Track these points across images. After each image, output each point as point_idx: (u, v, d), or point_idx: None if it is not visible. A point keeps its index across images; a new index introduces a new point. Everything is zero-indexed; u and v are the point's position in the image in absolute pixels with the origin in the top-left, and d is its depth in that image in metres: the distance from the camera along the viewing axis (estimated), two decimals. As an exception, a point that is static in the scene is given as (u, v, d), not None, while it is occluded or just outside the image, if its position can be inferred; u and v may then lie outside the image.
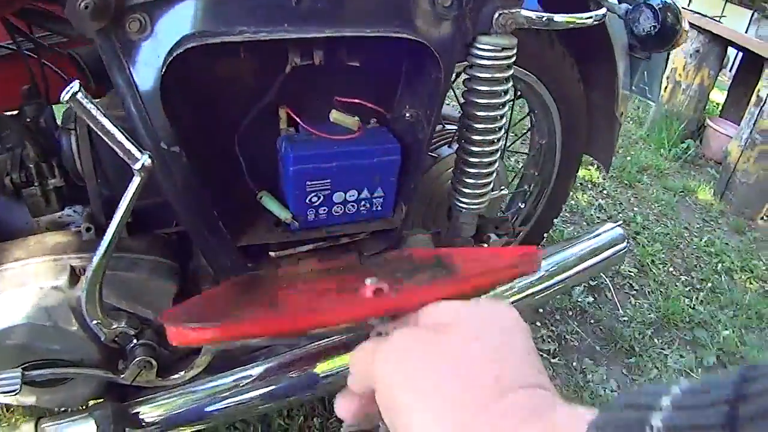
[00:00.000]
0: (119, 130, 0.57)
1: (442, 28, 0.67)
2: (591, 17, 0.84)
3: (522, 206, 1.35)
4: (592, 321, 1.58)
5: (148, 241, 0.79)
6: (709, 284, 1.84)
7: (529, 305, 1.16)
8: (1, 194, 0.79)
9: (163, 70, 0.58)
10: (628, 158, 2.65)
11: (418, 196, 1.01)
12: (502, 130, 0.82)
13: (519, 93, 1.18)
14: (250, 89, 0.69)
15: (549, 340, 1.48)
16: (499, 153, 0.85)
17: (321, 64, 0.66)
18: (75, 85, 0.55)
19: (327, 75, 0.69)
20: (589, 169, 2.41)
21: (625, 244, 1.23)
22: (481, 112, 0.78)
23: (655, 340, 1.56)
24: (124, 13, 0.58)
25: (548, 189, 1.31)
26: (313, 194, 0.71)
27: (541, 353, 1.42)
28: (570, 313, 1.59)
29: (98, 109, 0.57)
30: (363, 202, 0.75)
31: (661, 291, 1.76)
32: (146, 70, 0.60)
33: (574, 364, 1.42)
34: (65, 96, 0.55)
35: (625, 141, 2.94)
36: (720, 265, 1.98)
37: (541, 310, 1.58)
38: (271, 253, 0.77)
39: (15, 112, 0.83)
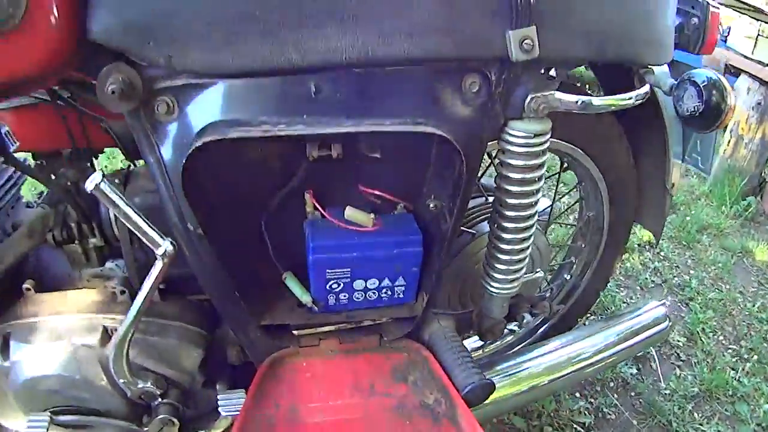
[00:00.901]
0: (141, 219, 0.57)
1: (468, 117, 0.63)
2: (632, 98, 0.78)
3: (568, 278, 1.28)
4: (632, 393, 1.47)
5: (179, 307, 0.79)
6: (757, 355, 1.69)
7: (566, 384, 1.09)
8: (45, 247, 0.82)
9: (189, 152, 0.58)
10: (689, 216, 2.49)
11: (453, 274, 0.97)
12: (535, 215, 0.77)
13: (565, 165, 1.13)
14: (275, 174, 0.68)
15: (586, 412, 1.38)
16: (532, 237, 0.79)
17: (339, 157, 0.63)
18: (97, 176, 0.56)
19: (349, 165, 0.67)
20: (646, 229, 2.28)
21: (666, 323, 1.13)
22: (512, 200, 0.73)
23: (695, 415, 1.44)
24: (152, 96, 0.59)
25: (595, 261, 1.24)
26: (333, 281, 0.68)
27: (576, 426, 1.33)
28: (611, 384, 1.48)
29: (121, 198, 0.57)
30: (384, 290, 0.71)
31: (707, 362, 1.62)
32: (174, 150, 0.60)
33: (609, 439, 1.32)
34: (89, 186, 0.56)
35: (687, 197, 2.78)
36: (771, 332, 1.79)
37: (583, 381, 1.48)
38: (294, 332, 0.75)
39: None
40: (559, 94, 0.68)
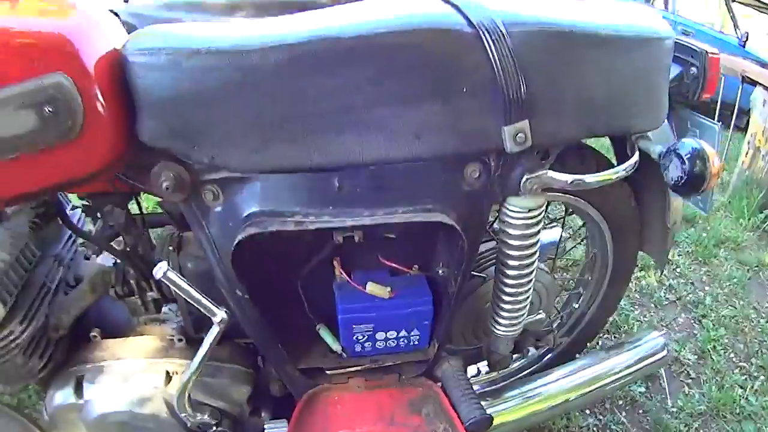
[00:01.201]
0: (202, 296, 0.70)
1: (470, 200, 0.74)
2: (623, 170, 0.86)
3: (576, 307, 1.37)
4: (640, 411, 1.53)
5: (230, 351, 0.92)
6: (766, 374, 1.73)
7: (566, 410, 1.18)
8: (107, 297, 0.94)
9: (236, 242, 0.70)
10: (707, 230, 2.52)
11: (466, 313, 1.07)
12: (533, 272, 0.87)
13: (570, 210, 1.22)
14: (308, 247, 0.81)
15: (594, 429, 1.46)
16: (530, 290, 0.90)
17: (359, 242, 0.75)
18: (164, 265, 0.69)
19: (369, 242, 0.79)
20: (664, 247, 2.33)
21: (665, 353, 1.21)
22: (512, 261, 0.84)
23: None
24: (199, 186, 0.71)
25: (601, 292, 1.31)
26: (358, 333, 0.81)
27: (584, 443, 1.42)
28: (620, 402, 1.56)
29: (184, 280, 0.70)
30: (402, 339, 0.84)
31: (716, 380, 1.67)
32: (222, 231, 0.73)
33: (616, 455, 1.40)
34: (158, 274, 0.69)
35: (707, 209, 2.80)
36: (782, 349, 1.81)
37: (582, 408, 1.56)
38: (327, 372, 0.88)
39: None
40: (552, 174, 0.77)
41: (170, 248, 0.88)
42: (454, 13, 0.69)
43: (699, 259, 2.29)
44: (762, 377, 1.70)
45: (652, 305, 1.97)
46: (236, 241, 0.69)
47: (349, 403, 0.86)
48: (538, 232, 0.83)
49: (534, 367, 1.33)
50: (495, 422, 0.98)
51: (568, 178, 0.78)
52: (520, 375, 1.29)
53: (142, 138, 0.66)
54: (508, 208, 0.79)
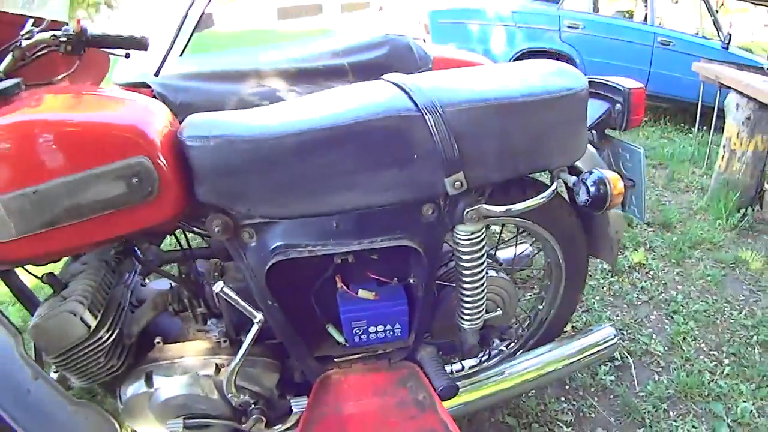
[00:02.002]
0: (244, 302, 1.09)
1: (427, 230, 1.13)
2: (544, 197, 1.21)
3: (541, 308, 1.71)
4: (611, 396, 1.80)
5: (262, 348, 1.29)
6: (737, 359, 1.95)
7: (528, 388, 1.53)
8: (166, 315, 1.31)
9: (267, 267, 1.09)
10: (681, 233, 2.82)
11: (444, 317, 1.41)
12: (483, 278, 1.24)
13: (521, 230, 1.58)
14: (318, 268, 1.20)
15: (568, 412, 1.76)
16: (484, 291, 1.26)
17: (353, 261, 1.15)
18: (221, 283, 1.08)
19: (360, 263, 1.18)
20: (637, 251, 2.65)
21: (615, 339, 1.56)
22: (466, 271, 1.21)
23: (670, 413, 1.74)
24: (240, 229, 1.10)
25: (560, 294, 1.64)
26: (356, 328, 1.20)
27: (559, 423, 1.73)
28: (592, 389, 1.84)
29: (235, 293, 1.09)
30: (388, 332, 1.22)
31: (685, 367, 1.92)
32: (256, 260, 1.12)
33: (587, 432, 1.70)
34: (216, 288, 1.08)
35: (684, 214, 3.09)
36: (755, 337, 2.08)
37: (567, 387, 1.87)
38: (335, 360, 1.26)
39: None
40: (486, 206, 1.15)
41: (215, 274, 1.27)
42: (405, 98, 1.08)
43: (673, 261, 2.59)
44: (732, 363, 1.93)
45: (625, 306, 2.27)
46: (268, 266, 1.08)
47: (353, 382, 1.24)
48: (482, 248, 1.21)
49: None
50: (470, 397, 1.36)
51: (498, 208, 1.16)
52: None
53: (198, 198, 1.05)
54: (457, 233, 1.18)
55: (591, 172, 1.19)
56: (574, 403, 1.81)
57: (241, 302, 1.09)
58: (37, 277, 1.26)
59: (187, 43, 2.08)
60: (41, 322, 1.08)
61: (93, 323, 1.11)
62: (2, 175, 0.90)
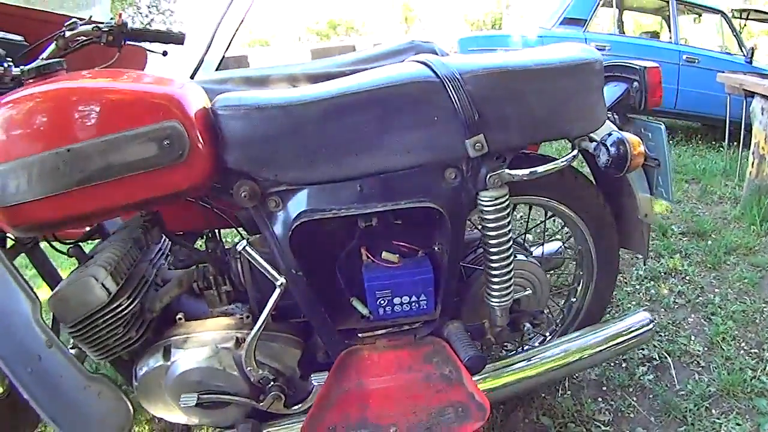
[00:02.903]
0: (268, 264, 1.10)
1: (451, 194, 1.14)
2: (564, 161, 1.23)
3: (573, 300, 1.70)
4: (650, 396, 1.76)
5: (285, 325, 1.29)
6: None
7: (564, 374, 1.49)
8: (192, 294, 1.32)
9: (291, 232, 1.11)
10: (716, 240, 2.78)
11: (474, 301, 1.41)
12: (510, 248, 1.23)
13: (550, 214, 1.58)
14: (343, 237, 1.21)
15: (606, 412, 1.71)
16: (512, 263, 1.25)
17: (378, 225, 1.15)
18: (244, 242, 1.10)
19: (385, 229, 1.19)
20: (673, 258, 2.62)
21: (650, 326, 1.52)
22: (492, 241, 1.21)
23: (712, 411, 1.69)
24: (266, 196, 1.13)
25: (592, 284, 1.64)
26: (380, 299, 1.19)
27: (596, 422, 1.68)
28: (630, 389, 1.79)
29: (258, 254, 1.10)
30: (413, 303, 1.21)
31: (726, 366, 1.87)
32: (281, 228, 1.13)
33: (626, 432, 1.65)
34: (239, 247, 1.09)
35: (718, 223, 3.06)
36: (796, 333, 2.01)
37: (604, 387, 1.83)
38: (359, 335, 1.25)
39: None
40: (508, 171, 1.17)
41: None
42: (426, 69, 1.12)
43: (709, 266, 2.55)
44: None
45: (662, 309, 2.23)
46: (292, 228, 1.10)
47: (376, 358, 1.23)
48: (508, 215, 1.21)
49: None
50: (503, 381, 1.33)
51: (521, 171, 1.17)
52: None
53: (228, 164, 1.09)
54: (481, 199, 1.18)
55: (610, 134, 1.22)
56: (612, 403, 1.76)
57: (264, 263, 1.10)
58: (62, 252, 1.29)
59: (223, 56, 2.17)
60: (62, 288, 1.09)
61: (114, 289, 1.12)
62: (37, 136, 0.95)
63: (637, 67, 1.48)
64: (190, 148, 1.01)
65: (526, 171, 1.18)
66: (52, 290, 1.15)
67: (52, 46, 1.26)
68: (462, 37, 5.19)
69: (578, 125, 1.22)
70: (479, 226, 1.24)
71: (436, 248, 1.23)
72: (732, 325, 2.10)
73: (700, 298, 2.30)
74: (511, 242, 1.24)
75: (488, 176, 1.15)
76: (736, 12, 5.86)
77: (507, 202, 1.19)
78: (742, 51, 4.79)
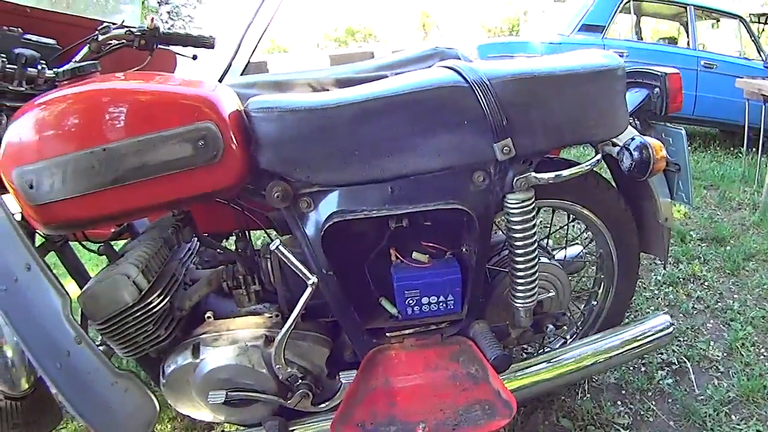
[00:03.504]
0: (300, 263, 1.14)
1: (479, 196, 1.17)
2: (588, 165, 1.27)
3: (594, 303, 1.72)
4: (670, 400, 1.77)
5: (313, 324, 1.33)
6: None
7: (588, 374, 1.51)
8: (221, 293, 1.35)
9: (323, 233, 1.15)
10: (734, 246, 2.78)
11: (498, 302, 1.44)
12: (535, 249, 1.26)
13: (573, 217, 1.61)
14: (372, 238, 1.25)
15: (625, 416, 1.72)
16: (537, 264, 1.28)
17: (408, 226, 1.19)
18: (277, 242, 1.14)
19: (414, 230, 1.22)
20: (691, 264, 2.63)
21: (671, 329, 1.54)
22: (518, 243, 1.24)
23: (732, 417, 1.70)
24: (298, 197, 1.16)
25: (613, 288, 1.66)
26: (409, 299, 1.23)
27: (616, 426, 1.69)
28: (649, 393, 1.81)
29: (291, 253, 1.14)
30: (441, 303, 1.25)
31: (746, 372, 1.88)
32: (313, 229, 1.17)
33: (646, 436, 1.66)
34: (273, 246, 1.13)
35: (737, 229, 3.06)
36: (817, 340, 2.01)
37: (623, 391, 1.84)
38: (387, 334, 1.29)
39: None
40: (535, 174, 1.20)
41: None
42: (456, 75, 1.16)
43: (727, 272, 2.56)
44: None
45: (681, 315, 2.24)
46: (324, 229, 1.14)
47: (403, 357, 1.26)
48: (534, 217, 1.24)
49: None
50: (525, 382, 1.36)
51: (547, 175, 1.21)
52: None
53: (261, 165, 1.12)
54: (507, 202, 1.22)
55: (633, 138, 1.27)
56: (631, 406, 1.77)
57: (296, 262, 1.14)
58: (92, 251, 1.33)
59: (248, 62, 2.21)
60: (93, 285, 1.12)
61: (145, 287, 1.15)
62: (73, 136, 0.98)
63: (658, 73, 1.51)
64: (224, 149, 1.05)
65: (552, 174, 1.21)
66: (80, 288, 1.18)
67: (85, 49, 1.29)
68: (481, 43, 5.24)
69: (602, 130, 1.26)
70: (504, 228, 1.28)
71: (463, 249, 1.27)
72: (751, 330, 2.11)
73: (719, 304, 2.31)
74: (536, 244, 1.27)
75: (515, 179, 1.19)
76: (754, 16, 5.86)
77: (533, 205, 1.23)
78: (760, 56, 4.79)
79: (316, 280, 1.16)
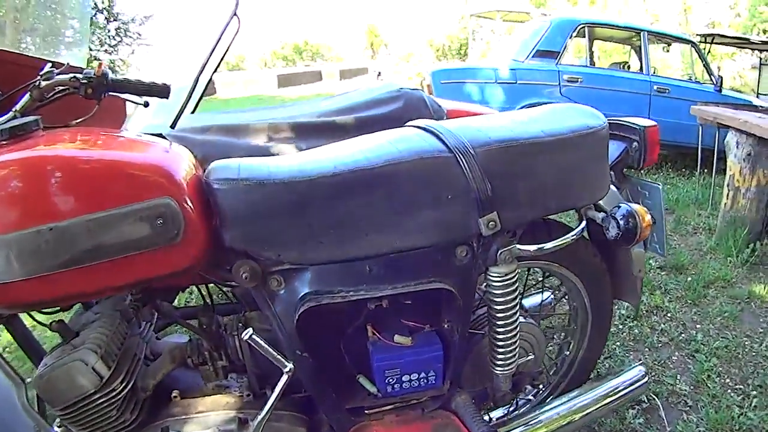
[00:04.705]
0: (274, 350, 1.04)
1: (461, 271, 1.10)
2: (571, 237, 1.22)
3: (567, 353, 1.67)
4: None
5: (289, 401, 1.23)
6: (763, 389, 1.94)
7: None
8: (185, 368, 1.23)
9: (297, 316, 1.05)
10: (694, 274, 2.82)
11: (475, 364, 1.36)
12: (516, 321, 1.20)
13: (547, 273, 1.55)
14: (349, 316, 1.16)
15: None
16: (517, 334, 1.22)
17: (387, 307, 1.11)
18: (250, 330, 1.03)
19: (393, 308, 1.14)
20: (653, 294, 2.64)
21: (645, 379, 1.51)
22: (499, 314, 1.18)
23: None
24: (267, 276, 1.06)
25: (586, 339, 1.61)
26: (389, 377, 1.15)
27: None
28: None
29: (264, 341, 1.04)
30: (422, 380, 1.17)
31: (713, 404, 1.89)
32: (285, 308, 1.07)
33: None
34: (245, 336, 1.03)
35: (695, 255, 3.12)
36: (779, 367, 2.05)
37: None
38: (366, 411, 1.20)
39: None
40: (519, 246, 1.14)
41: (240, 325, 1.22)
42: (435, 140, 1.08)
43: (689, 302, 2.58)
44: (759, 395, 1.91)
45: (646, 349, 2.25)
46: (299, 313, 1.04)
47: (385, 434, 1.18)
48: (516, 290, 1.18)
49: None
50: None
51: (531, 247, 1.15)
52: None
53: (226, 243, 1.01)
54: (490, 275, 1.15)
55: (619, 207, 1.22)
56: (605, 448, 1.74)
57: (271, 351, 1.04)
58: (44, 324, 1.20)
59: (199, 100, 2.08)
60: (48, 372, 1.00)
61: (106, 374, 1.04)
62: (15, 212, 0.85)
63: (637, 126, 1.48)
64: (185, 227, 0.93)
65: (536, 247, 1.16)
66: (33, 363, 1.07)
67: (27, 98, 1.13)
68: (435, 69, 5.14)
69: (587, 194, 1.21)
70: (483, 295, 1.21)
71: (444, 324, 1.19)
72: (716, 361, 2.13)
73: (683, 335, 2.33)
74: (517, 313, 1.21)
75: (499, 252, 1.12)
76: (701, 37, 6.04)
77: (516, 278, 1.16)
78: (711, 80, 4.91)
79: (292, 366, 1.06)
